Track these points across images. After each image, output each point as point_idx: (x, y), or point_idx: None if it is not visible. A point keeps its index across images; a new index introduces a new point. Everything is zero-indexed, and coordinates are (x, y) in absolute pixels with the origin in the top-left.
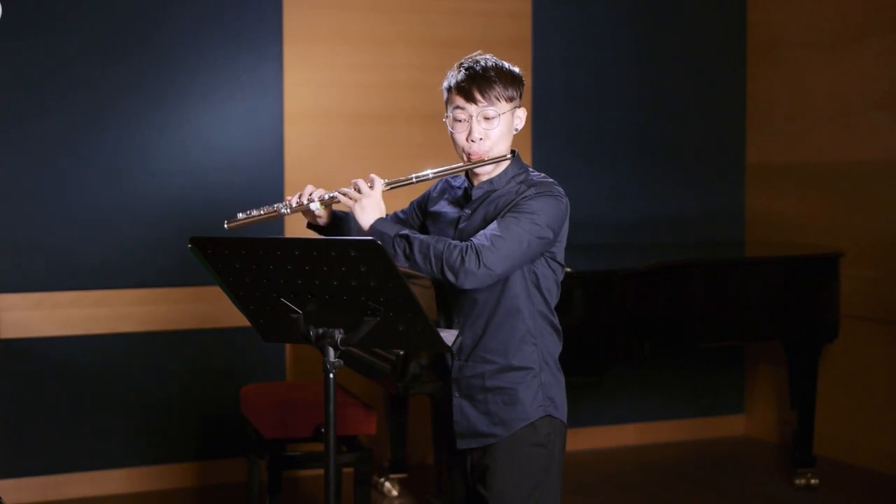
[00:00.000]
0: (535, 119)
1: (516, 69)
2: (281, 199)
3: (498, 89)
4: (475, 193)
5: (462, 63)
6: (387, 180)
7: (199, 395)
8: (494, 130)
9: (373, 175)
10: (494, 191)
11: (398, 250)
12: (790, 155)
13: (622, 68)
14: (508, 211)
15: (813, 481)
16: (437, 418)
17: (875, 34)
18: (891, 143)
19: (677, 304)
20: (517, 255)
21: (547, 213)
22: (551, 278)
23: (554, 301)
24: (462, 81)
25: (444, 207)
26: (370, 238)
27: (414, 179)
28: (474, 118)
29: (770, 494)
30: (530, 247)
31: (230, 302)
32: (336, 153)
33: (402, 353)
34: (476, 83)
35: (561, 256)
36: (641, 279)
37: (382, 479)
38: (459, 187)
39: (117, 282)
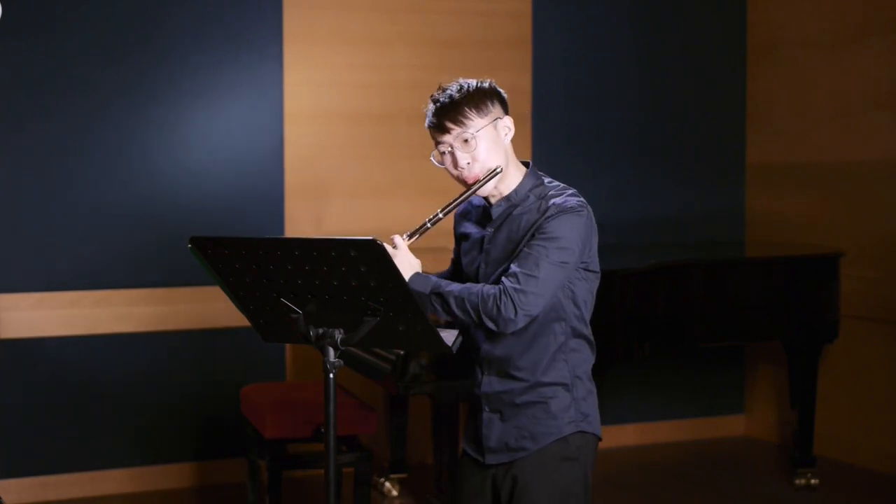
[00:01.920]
0: (536, 119)
1: (486, 83)
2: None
3: (466, 109)
4: (495, 212)
5: (431, 96)
6: (407, 234)
7: (199, 395)
8: (477, 150)
9: (393, 236)
10: (515, 206)
11: (437, 307)
12: (790, 155)
13: (622, 68)
14: (532, 237)
15: (813, 481)
16: (438, 418)
17: (875, 34)
18: (891, 143)
19: (677, 304)
20: (550, 288)
21: (571, 233)
22: (586, 289)
23: (589, 312)
24: (432, 118)
25: (469, 228)
26: (370, 238)
27: (429, 225)
28: (454, 146)
29: (770, 494)
30: (560, 274)
31: (230, 302)
32: (336, 153)
33: (402, 353)
34: (443, 113)
35: (595, 265)
36: (641, 279)
37: (382, 479)
38: (479, 205)
39: (117, 282)
